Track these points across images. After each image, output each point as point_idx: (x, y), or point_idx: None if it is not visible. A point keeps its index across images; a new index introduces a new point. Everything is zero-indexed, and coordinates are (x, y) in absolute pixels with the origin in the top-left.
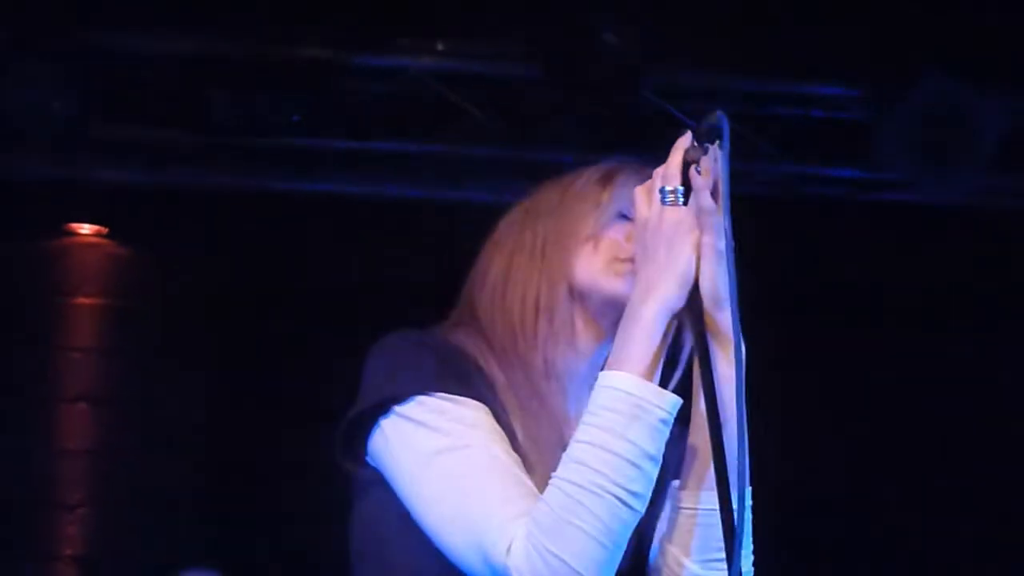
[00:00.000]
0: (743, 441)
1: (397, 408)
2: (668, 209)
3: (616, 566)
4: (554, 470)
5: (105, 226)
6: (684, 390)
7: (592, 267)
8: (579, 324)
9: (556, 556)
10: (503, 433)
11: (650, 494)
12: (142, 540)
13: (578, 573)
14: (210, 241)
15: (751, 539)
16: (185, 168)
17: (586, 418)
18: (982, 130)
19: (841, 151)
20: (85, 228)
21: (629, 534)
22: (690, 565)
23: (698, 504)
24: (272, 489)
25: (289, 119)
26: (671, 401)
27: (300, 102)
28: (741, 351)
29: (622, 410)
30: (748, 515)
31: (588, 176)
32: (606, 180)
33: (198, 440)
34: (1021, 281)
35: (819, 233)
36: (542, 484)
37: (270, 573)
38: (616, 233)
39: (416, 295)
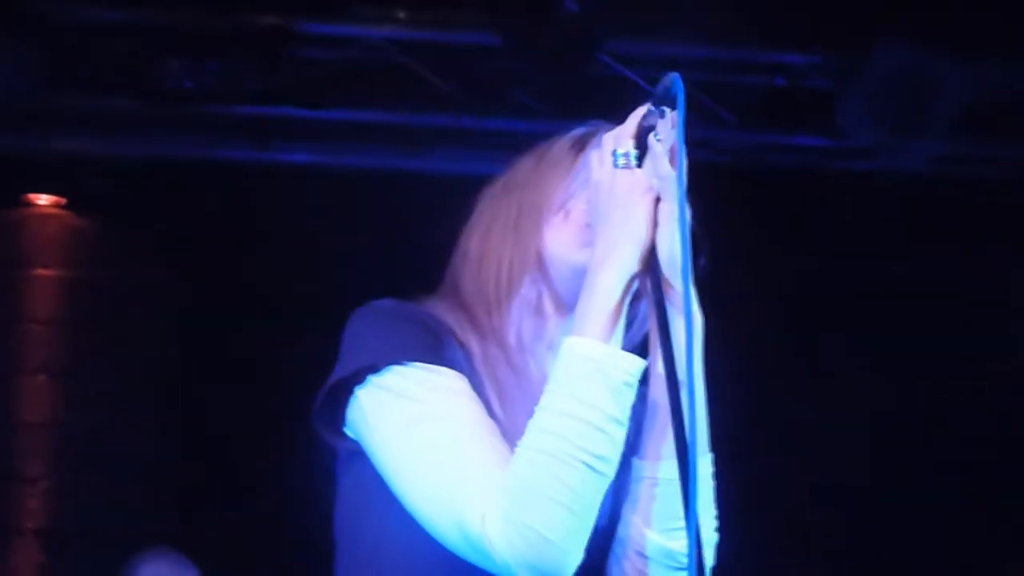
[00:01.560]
0: (694, 409)
1: (374, 377)
2: (621, 172)
3: (588, 532)
4: None
5: (63, 197)
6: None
7: (561, 237)
8: (548, 295)
9: (528, 526)
10: (480, 402)
11: (618, 458)
12: (104, 513)
13: (550, 541)
14: (167, 211)
15: (715, 507)
16: (141, 138)
17: (549, 385)
18: (944, 97)
19: (803, 120)
20: (43, 199)
21: (599, 499)
22: (652, 535)
23: (657, 473)
24: (239, 462)
25: (245, 88)
26: (634, 363)
27: (256, 71)
28: (692, 319)
29: (584, 375)
30: (710, 483)
31: (560, 144)
32: (577, 147)
33: (161, 412)
34: (984, 247)
35: (781, 201)
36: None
37: (236, 548)
38: (585, 201)
39: (374, 263)
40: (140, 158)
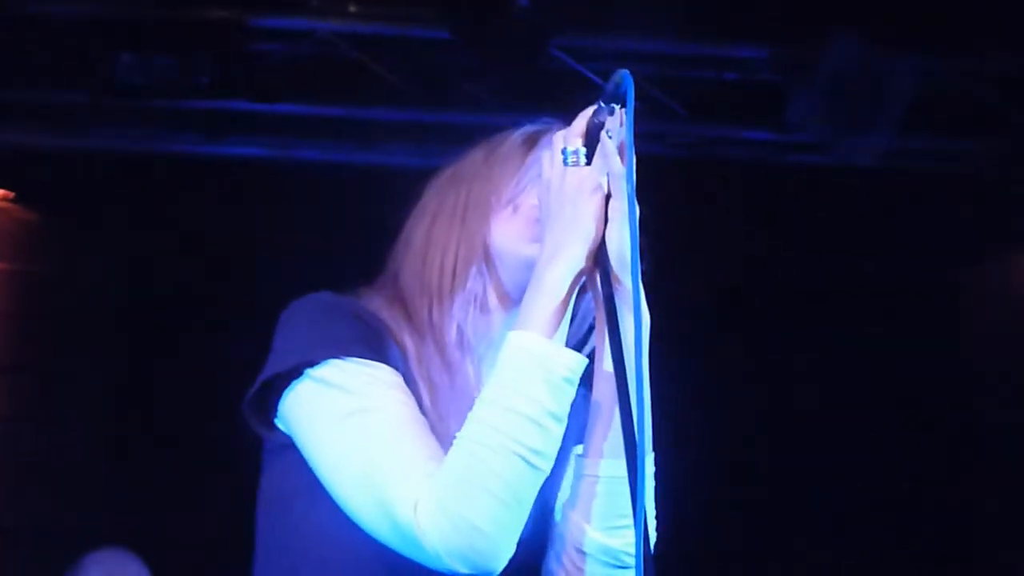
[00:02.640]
0: (641, 407)
1: (311, 371)
2: (570, 170)
3: (520, 526)
4: None
5: (11, 190)
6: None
7: (510, 230)
8: (494, 289)
9: (460, 516)
10: (412, 398)
11: (555, 453)
12: (53, 510)
13: (482, 532)
14: (118, 204)
15: (653, 505)
16: (92, 132)
17: (491, 378)
18: (893, 92)
19: (753, 113)
20: None
21: (534, 493)
22: (592, 532)
23: (599, 471)
24: (190, 458)
25: (196, 82)
26: (575, 360)
27: (207, 64)
28: (641, 316)
29: (525, 369)
30: (651, 482)
31: (512, 139)
32: (529, 143)
33: (109, 407)
34: (932, 240)
35: (731, 194)
36: (447, 449)
37: (184, 547)
38: (535, 197)
39: (325, 258)
40: (90, 152)
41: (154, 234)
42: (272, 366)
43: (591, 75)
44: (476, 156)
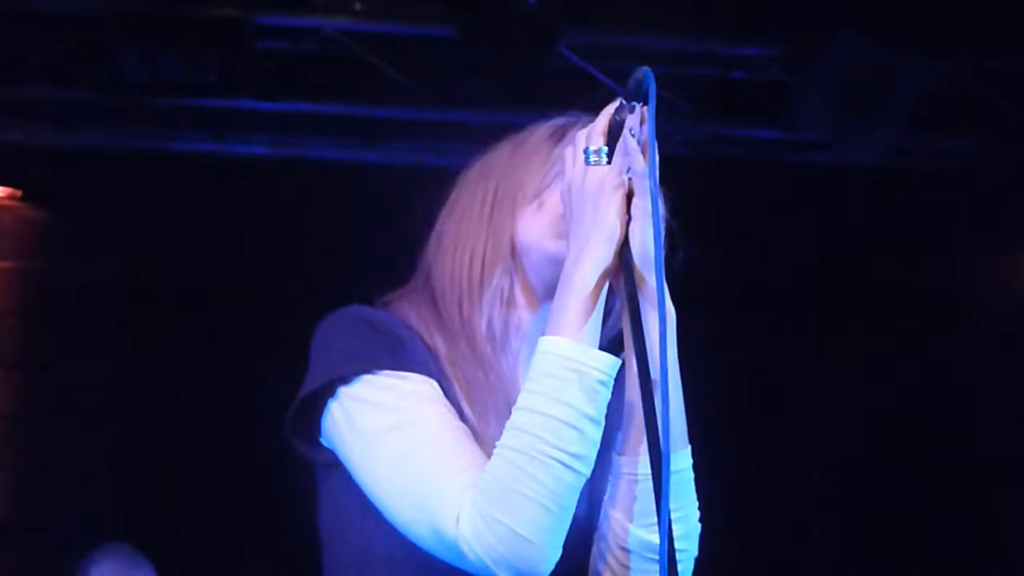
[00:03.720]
0: (667, 404)
1: (344, 388)
2: (592, 169)
3: (564, 530)
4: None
5: (19, 188)
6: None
7: (535, 226)
8: (521, 283)
9: (502, 524)
10: (451, 405)
11: (594, 456)
12: (55, 506)
13: (525, 539)
14: (124, 203)
15: (694, 498)
16: (97, 129)
17: (526, 385)
18: (899, 90)
19: (760, 112)
20: None
21: (575, 497)
22: (635, 530)
23: (637, 469)
24: (195, 457)
25: (201, 79)
26: (608, 362)
27: (212, 62)
28: (666, 314)
29: (559, 374)
30: (690, 475)
31: (539, 133)
32: (556, 137)
33: (114, 405)
34: (937, 238)
35: (738, 194)
36: (489, 453)
37: (192, 543)
38: (559, 193)
39: (332, 256)
40: (96, 149)
41: (159, 232)
42: (307, 385)
43: (598, 73)
44: (503, 150)
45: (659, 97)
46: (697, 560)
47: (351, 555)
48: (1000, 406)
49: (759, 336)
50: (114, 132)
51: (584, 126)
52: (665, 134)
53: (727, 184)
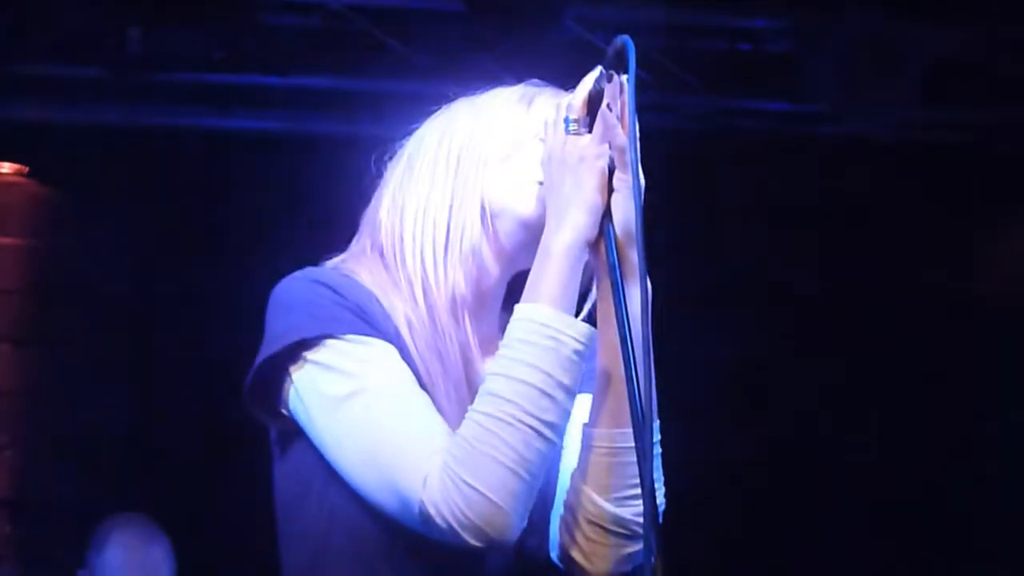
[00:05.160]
0: (649, 378)
1: (305, 353)
2: (571, 139)
3: (533, 497)
4: (458, 407)
5: (25, 165)
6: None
7: (507, 187)
8: (490, 247)
9: (471, 487)
10: (410, 372)
11: (565, 426)
12: (70, 481)
13: (493, 503)
14: (131, 179)
15: (661, 474)
16: (104, 105)
17: (501, 350)
18: (908, 62)
19: (767, 84)
20: (5, 167)
21: (545, 465)
22: (605, 504)
23: (613, 443)
24: (208, 430)
25: (207, 55)
26: (585, 331)
27: (218, 37)
28: (647, 288)
29: (535, 341)
30: (657, 451)
31: (507, 96)
32: (526, 102)
33: (124, 380)
34: (947, 214)
35: (745, 166)
36: (447, 422)
37: (207, 515)
38: (533, 155)
39: (338, 231)
40: (102, 126)
41: (166, 208)
42: (265, 349)
43: (604, 45)
44: (464, 113)
45: (663, 70)
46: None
47: (309, 524)
48: (1013, 387)
49: (770, 311)
50: (120, 108)
51: (551, 93)
52: (672, 108)
53: (735, 157)
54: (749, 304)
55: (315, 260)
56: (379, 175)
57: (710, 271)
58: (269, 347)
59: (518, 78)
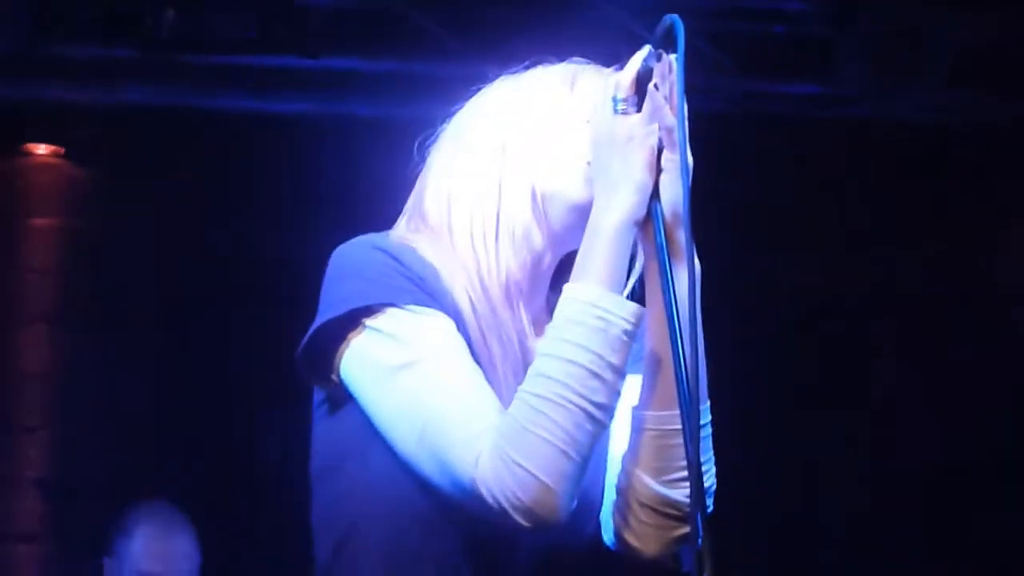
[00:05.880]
0: (696, 360)
1: (364, 320)
2: (619, 119)
3: (582, 480)
4: (511, 387)
5: (61, 146)
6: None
7: (555, 171)
8: (540, 232)
9: (521, 466)
10: (467, 349)
11: (615, 406)
12: (103, 462)
13: (543, 483)
14: (165, 161)
15: (712, 455)
16: (138, 87)
17: (550, 331)
18: (943, 45)
19: (802, 67)
20: (41, 148)
21: (595, 446)
22: (656, 486)
23: (662, 425)
24: (241, 410)
25: (242, 36)
26: (634, 311)
27: (253, 19)
28: (695, 269)
29: (585, 321)
30: (707, 432)
31: (550, 76)
32: (569, 81)
33: (158, 360)
34: (981, 196)
35: (780, 149)
36: (504, 403)
37: (236, 497)
38: (579, 136)
39: (374, 213)
40: (136, 107)
41: (201, 190)
42: (324, 313)
43: (639, 29)
44: (509, 94)
45: (700, 52)
46: (711, 518)
47: (347, 488)
48: None
49: (797, 294)
50: (155, 90)
51: (595, 71)
52: (706, 91)
53: (769, 140)
54: (783, 284)
55: (342, 235)
56: (421, 160)
57: (744, 255)
58: (328, 311)
59: (554, 60)
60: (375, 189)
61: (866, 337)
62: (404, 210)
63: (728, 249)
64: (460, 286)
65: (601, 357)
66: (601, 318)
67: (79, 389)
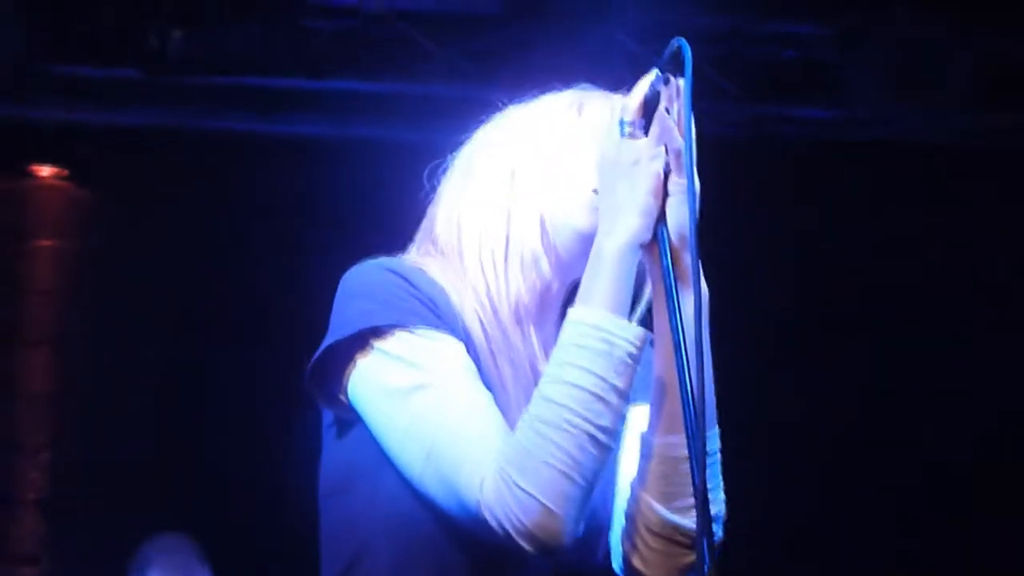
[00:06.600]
0: (702, 386)
1: (374, 341)
2: (626, 142)
3: (588, 505)
4: (522, 410)
5: (65, 168)
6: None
7: (563, 199)
8: (548, 259)
9: (524, 490)
10: (477, 372)
11: (620, 430)
12: (105, 483)
13: (546, 507)
14: (169, 182)
15: (721, 481)
16: (142, 108)
17: (554, 354)
18: (954, 68)
19: (810, 90)
20: (45, 170)
21: (600, 471)
22: (664, 512)
23: (670, 451)
24: (243, 434)
25: (247, 57)
26: (638, 334)
27: (256, 40)
28: (701, 293)
29: (588, 344)
30: (716, 458)
31: (557, 103)
32: (576, 107)
33: (163, 383)
34: (990, 220)
35: (788, 174)
36: (513, 425)
37: (241, 521)
38: (586, 162)
39: (378, 236)
40: (142, 129)
41: (205, 211)
42: (334, 334)
43: (644, 52)
44: (519, 121)
45: (705, 77)
46: (722, 546)
47: (356, 511)
48: None
49: (814, 319)
50: (160, 111)
51: (603, 96)
52: (713, 115)
53: (777, 165)
54: (788, 312)
55: (347, 258)
56: (431, 189)
57: (751, 280)
58: (338, 332)
59: (560, 82)
60: (382, 211)
61: (888, 360)
62: (415, 238)
63: (737, 276)
64: (470, 308)
65: (605, 380)
66: (605, 341)
67: (82, 410)
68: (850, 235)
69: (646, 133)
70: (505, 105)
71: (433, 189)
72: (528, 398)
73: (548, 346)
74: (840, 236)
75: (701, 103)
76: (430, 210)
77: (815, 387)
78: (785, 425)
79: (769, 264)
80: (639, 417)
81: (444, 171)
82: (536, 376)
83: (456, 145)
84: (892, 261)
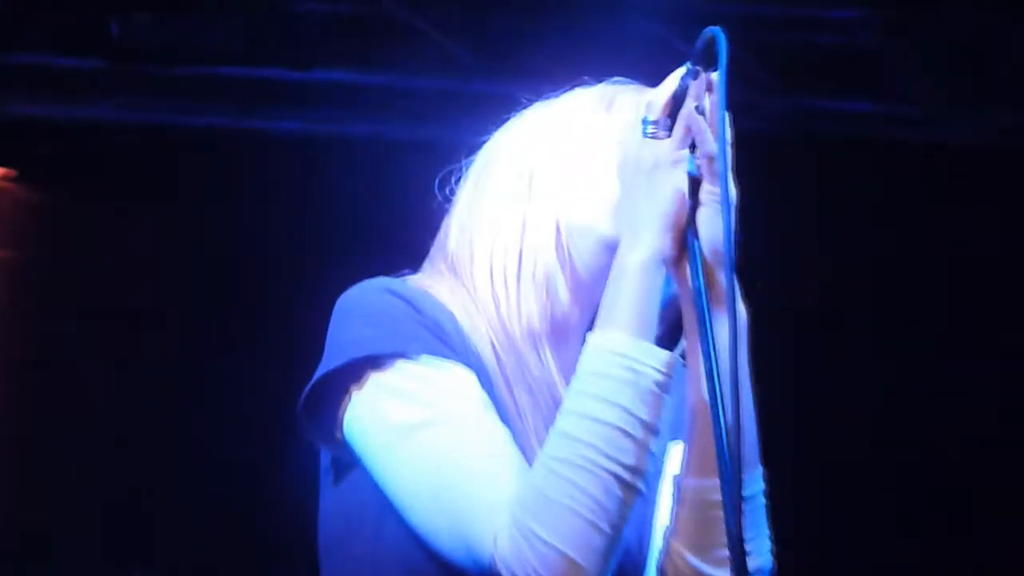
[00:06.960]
0: (739, 419)
1: (371, 372)
2: (647, 143)
3: (616, 554)
4: (543, 442)
5: (13, 167)
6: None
7: (586, 206)
8: (566, 272)
9: (544, 541)
10: (491, 403)
11: (650, 469)
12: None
13: (570, 559)
14: (132, 184)
15: (767, 528)
16: (104, 102)
17: (573, 385)
18: (1008, 62)
19: (851, 82)
20: None
21: (628, 515)
22: (699, 564)
23: (703, 495)
24: (220, 462)
25: (224, 46)
26: (665, 359)
27: (236, 26)
28: (739, 316)
29: (612, 374)
30: (761, 501)
31: (584, 99)
32: (605, 103)
33: (121, 402)
34: None
35: (826, 172)
36: (533, 460)
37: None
38: (611, 164)
39: (368, 241)
40: (103, 124)
41: (178, 217)
42: (326, 363)
43: (672, 39)
44: (540, 121)
45: (737, 64)
46: None
47: (358, 562)
48: None
49: (855, 322)
50: (124, 105)
51: (634, 91)
52: (746, 107)
53: (815, 162)
54: (826, 314)
55: (337, 270)
56: (446, 199)
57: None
58: (331, 361)
59: (573, 75)
60: (376, 216)
61: (932, 365)
62: (429, 255)
63: (774, 280)
64: (481, 331)
65: (630, 412)
66: (629, 368)
67: (35, 429)
68: (893, 237)
69: (670, 134)
70: (529, 102)
71: (447, 199)
72: (549, 428)
73: (568, 373)
74: (882, 238)
75: (731, 94)
76: (444, 223)
77: (855, 394)
78: (785, 425)
79: (803, 269)
80: (677, 456)
81: (458, 178)
82: (557, 403)
83: (470, 148)
84: (936, 265)
